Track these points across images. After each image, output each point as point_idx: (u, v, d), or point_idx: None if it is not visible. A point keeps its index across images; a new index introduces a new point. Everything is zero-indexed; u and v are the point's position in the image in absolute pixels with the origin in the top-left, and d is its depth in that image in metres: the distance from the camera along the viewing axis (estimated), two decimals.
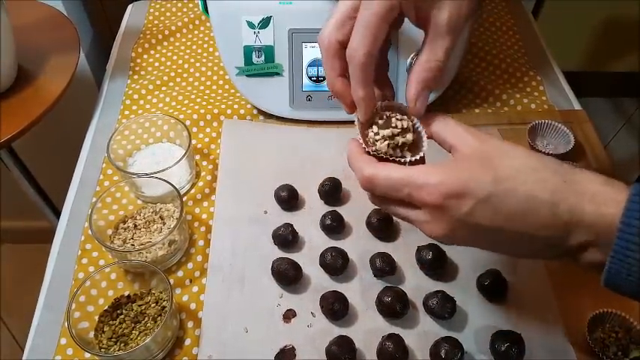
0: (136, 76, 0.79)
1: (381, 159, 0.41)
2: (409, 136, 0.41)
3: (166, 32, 0.85)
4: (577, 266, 0.38)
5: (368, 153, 0.41)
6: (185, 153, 0.61)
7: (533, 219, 0.35)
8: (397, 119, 0.41)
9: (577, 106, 0.75)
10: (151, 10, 0.89)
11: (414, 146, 0.42)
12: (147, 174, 0.60)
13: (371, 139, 0.41)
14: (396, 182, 0.38)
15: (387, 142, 0.41)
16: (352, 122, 0.71)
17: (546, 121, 0.69)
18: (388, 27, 0.40)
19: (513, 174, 0.36)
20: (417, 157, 0.41)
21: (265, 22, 0.67)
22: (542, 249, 0.37)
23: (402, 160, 0.41)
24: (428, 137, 0.42)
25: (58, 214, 1.06)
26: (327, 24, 0.42)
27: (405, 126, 0.41)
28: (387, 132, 0.40)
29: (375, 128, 0.41)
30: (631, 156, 1.79)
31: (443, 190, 0.36)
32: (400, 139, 0.41)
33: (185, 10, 0.89)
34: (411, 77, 0.41)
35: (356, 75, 0.40)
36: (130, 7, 0.91)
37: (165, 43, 0.84)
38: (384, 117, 0.42)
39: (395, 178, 0.38)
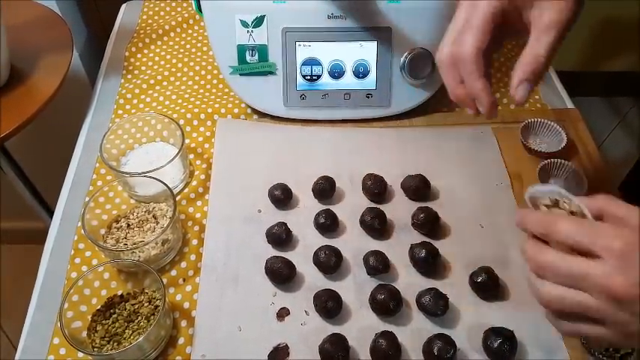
0: (129, 76, 0.78)
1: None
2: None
3: (160, 32, 0.85)
4: None
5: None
6: (178, 152, 0.61)
7: None
8: (564, 202, 0.42)
9: (570, 104, 0.76)
10: (145, 10, 0.89)
11: None
12: (140, 173, 0.60)
13: None
14: (580, 226, 0.37)
15: None
16: (346, 121, 0.71)
17: (539, 119, 0.69)
18: (493, 29, 0.43)
19: None
20: None
21: (259, 21, 0.67)
22: None
23: None
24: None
25: (52, 214, 1.05)
26: (443, 41, 0.46)
27: (574, 210, 0.41)
28: (559, 212, 0.41)
29: (543, 209, 0.42)
30: (626, 155, 1.80)
31: (631, 236, 0.35)
32: None
33: (179, 9, 0.89)
34: (515, 69, 0.43)
35: (468, 69, 0.43)
36: (123, 6, 0.91)
37: (159, 43, 0.84)
38: (548, 199, 0.42)
39: (579, 223, 0.38)
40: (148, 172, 0.59)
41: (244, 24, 0.67)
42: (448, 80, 0.46)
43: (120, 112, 0.74)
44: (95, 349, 0.51)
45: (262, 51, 0.68)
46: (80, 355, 0.52)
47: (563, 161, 0.64)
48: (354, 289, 0.56)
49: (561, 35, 0.42)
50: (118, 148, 0.67)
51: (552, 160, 0.65)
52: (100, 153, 0.62)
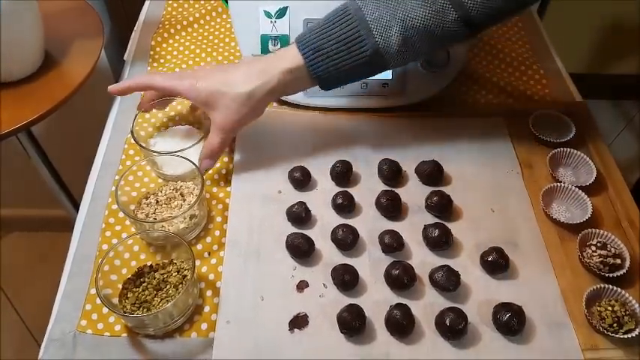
0: (155, 64, 0.82)
1: (590, 270, 0.58)
2: (618, 261, 0.57)
3: (184, 23, 0.88)
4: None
5: (581, 260, 0.59)
6: (202, 136, 0.64)
7: None
8: (612, 246, 0.59)
9: (578, 97, 0.78)
10: (170, 2, 0.93)
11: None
12: (170, 152, 0.63)
13: (588, 253, 0.59)
14: None
15: (600, 260, 0.57)
16: (363, 110, 0.74)
17: (548, 111, 0.72)
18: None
19: None
20: (619, 273, 0.57)
21: (282, 12, 0.70)
22: None
23: (605, 274, 0.57)
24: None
25: (74, 202, 1.09)
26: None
27: (617, 253, 0.58)
28: (602, 252, 0.58)
29: (593, 247, 0.59)
30: (633, 157, 1.82)
31: None
32: (611, 260, 0.57)
33: (202, 2, 0.93)
34: (202, 151, 0.64)
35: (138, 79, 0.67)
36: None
37: (184, 34, 0.87)
38: (600, 242, 0.59)
39: None
40: (176, 152, 0.63)
41: (268, 15, 0.70)
42: None
43: None
44: (126, 314, 0.54)
45: (284, 41, 0.71)
46: (111, 320, 0.56)
47: (572, 150, 0.67)
48: (370, 265, 0.59)
49: (226, 134, 0.63)
50: (145, 131, 0.70)
51: (562, 149, 0.67)
52: (131, 133, 0.65)
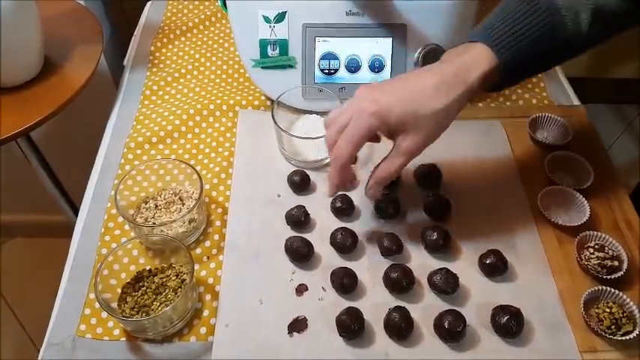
0: (154, 69, 0.82)
1: (588, 272, 0.58)
2: (615, 262, 0.58)
3: (184, 28, 0.89)
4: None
5: (579, 263, 0.59)
6: None
7: None
8: (610, 248, 0.59)
9: (576, 101, 0.79)
10: (169, 8, 0.93)
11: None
12: (174, 159, 0.63)
13: (586, 256, 0.59)
14: None
15: (598, 262, 0.57)
16: None
17: (546, 114, 0.72)
18: (365, 140, 0.53)
19: None
20: (616, 275, 0.57)
21: (280, 17, 0.71)
22: None
23: (603, 276, 0.57)
24: None
25: (73, 207, 1.09)
26: (333, 121, 0.56)
27: (614, 255, 0.58)
28: (600, 254, 0.58)
29: (591, 249, 0.59)
30: (632, 161, 1.82)
31: None
32: (609, 262, 0.57)
33: (201, 7, 0.93)
34: (372, 175, 0.57)
35: (337, 170, 0.55)
36: (148, 4, 0.95)
37: (183, 39, 0.88)
38: (598, 245, 0.59)
39: None
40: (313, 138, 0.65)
41: (267, 19, 0.71)
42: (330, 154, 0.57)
43: (146, 102, 0.77)
44: (125, 318, 0.54)
45: (283, 45, 0.72)
46: (110, 324, 0.56)
47: (570, 153, 0.67)
48: (369, 268, 0.59)
49: (411, 158, 0.54)
50: (143, 136, 0.70)
51: (560, 152, 0.68)
52: (272, 117, 0.66)
